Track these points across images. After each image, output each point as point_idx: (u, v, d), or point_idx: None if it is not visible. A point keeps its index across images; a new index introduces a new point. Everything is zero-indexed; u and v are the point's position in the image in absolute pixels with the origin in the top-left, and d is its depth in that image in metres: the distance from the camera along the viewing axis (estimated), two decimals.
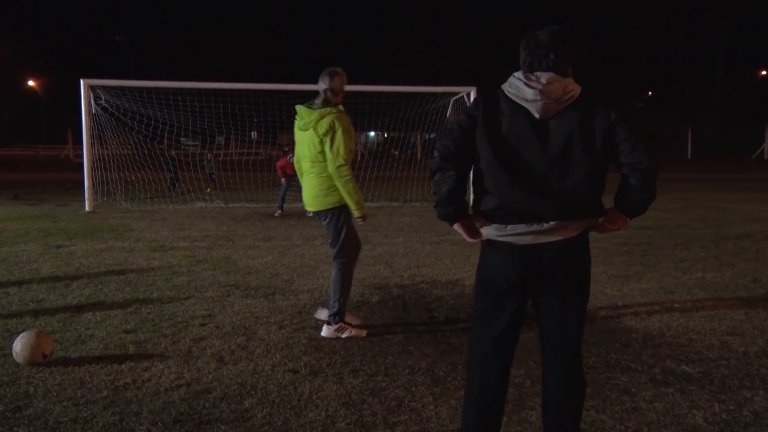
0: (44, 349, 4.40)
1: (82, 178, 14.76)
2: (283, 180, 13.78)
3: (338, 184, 4.95)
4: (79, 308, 5.90)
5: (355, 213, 5.02)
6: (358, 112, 17.79)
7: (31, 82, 61.39)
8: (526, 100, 2.75)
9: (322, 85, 5.09)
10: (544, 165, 2.74)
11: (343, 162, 4.91)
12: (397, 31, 66.21)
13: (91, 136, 14.67)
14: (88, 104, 14.46)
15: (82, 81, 14.44)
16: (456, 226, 2.97)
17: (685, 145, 53.11)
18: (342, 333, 5.07)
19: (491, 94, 2.86)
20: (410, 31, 64.37)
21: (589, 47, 54.44)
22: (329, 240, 5.24)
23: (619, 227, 2.96)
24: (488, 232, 2.89)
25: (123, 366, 4.40)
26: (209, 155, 21.74)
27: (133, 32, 60.77)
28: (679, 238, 10.18)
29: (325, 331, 5.12)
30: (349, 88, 18.24)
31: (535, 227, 2.77)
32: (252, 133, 24.87)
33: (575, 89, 2.78)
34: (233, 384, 4.11)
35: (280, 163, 13.91)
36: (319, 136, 4.94)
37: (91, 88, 14.60)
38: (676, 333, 5.23)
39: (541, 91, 2.72)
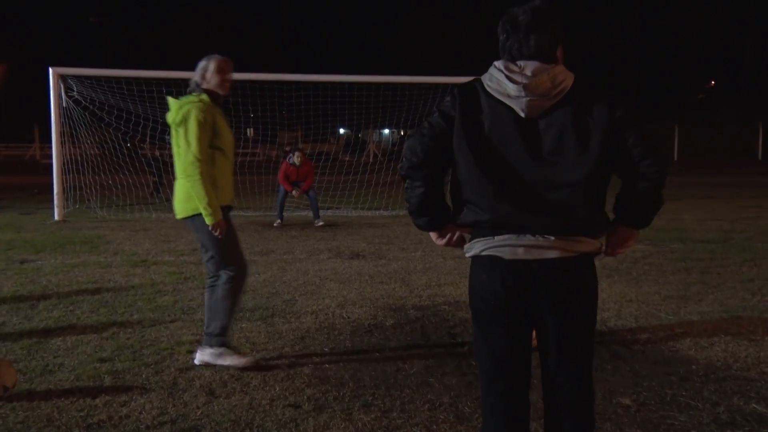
0: (5, 381, 4.42)
1: (50, 182, 14.89)
2: (284, 187, 13.84)
3: (188, 182, 4.89)
4: (47, 333, 5.94)
5: (207, 220, 4.94)
6: (370, 107, 17.86)
7: None
8: (509, 97, 2.69)
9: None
10: (533, 172, 2.68)
11: (194, 158, 4.82)
12: (415, 15, 66.38)
13: (61, 134, 14.80)
14: (58, 96, 14.59)
15: (51, 69, 14.59)
16: (434, 236, 2.99)
17: (755, 143, 52.68)
18: (223, 360, 5.03)
19: (470, 88, 2.81)
20: (430, 15, 64.51)
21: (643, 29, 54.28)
22: (204, 252, 5.14)
23: (630, 246, 2.94)
24: (472, 247, 2.87)
25: (97, 400, 4.43)
26: None
27: (110, 13, 61.31)
28: (748, 252, 10.11)
29: (199, 356, 5.08)
30: (360, 79, 18.40)
31: (526, 240, 2.72)
32: (248, 130, 24.98)
33: (567, 79, 2.71)
34: (225, 421, 4.13)
35: (281, 171, 13.98)
36: (175, 128, 4.97)
37: (62, 78, 14.74)
38: (744, 365, 5.19)
39: (525, 86, 2.66)
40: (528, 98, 2.66)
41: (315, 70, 21.67)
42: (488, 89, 2.75)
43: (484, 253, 2.81)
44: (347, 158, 26.10)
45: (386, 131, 50.33)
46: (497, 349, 2.86)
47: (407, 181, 2.89)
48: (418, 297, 7.37)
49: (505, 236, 2.74)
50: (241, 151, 28.45)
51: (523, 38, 2.73)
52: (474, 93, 2.78)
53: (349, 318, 6.51)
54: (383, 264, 9.21)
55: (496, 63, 2.79)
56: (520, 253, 2.73)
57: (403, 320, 6.44)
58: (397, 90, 17.83)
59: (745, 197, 19.01)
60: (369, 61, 56.16)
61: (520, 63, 2.72)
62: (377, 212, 16.17)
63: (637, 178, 2.73)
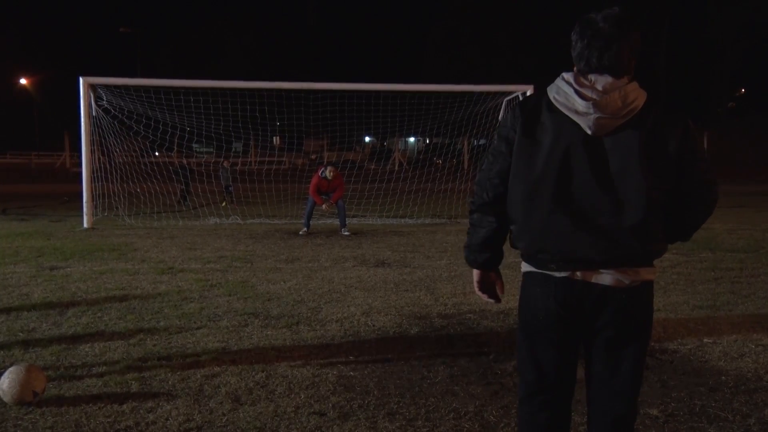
0: (35, 386, 4.47)
1: (80, 190, 15.07)
2: (314, 199, 13.85)
3: None
4: (75, 339, 6.00)
5: None
6: (396, 115, 17.87)
7: (23, 81, 62.91)
8: (577, 113, 2.58)
9: None
10: (595, 195, 2.58)
11: None
12: (442, 23, 66.40)
13: (91, 142, 14.98)
14: (88, 105, 14.78)
15: (81, 79, 14.77)
16: (477, 277, 2.96)
17: None
18: None
19: (533, 103, 2.70)
20: (457, 23, 64.51)
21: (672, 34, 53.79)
22: None
23: None
24: (527, 264, 2.81)
25: (124, 406, 4.46)
26: (225, 164, 22.04)
27: (140, 23, 61.99)
28: None
29: None
30: (387, 87, 18.46)
31: (580, 270, 2.65)
32: (274, 138, 25.19)
33: (638, 98, 2.59)
34: (250, 428, 4.14)
35: (312, 183, 14.01)
36: None
37: (92, 87, 14.93)
38: None
39: (595, 104, 2.55)
40: (597, 116, 2.55)
41: (341, 79, 21.73)
42: (554, 102, 2.64)
43: (536, 271, 2.76)
44: (372, 166, 26.14)
45: (412, 139, 50.37)
46: (543, 363, 2.82)
47: (476, 215, 2.85)
48: (444, 305, 7.35)
49: (558, 254, 2.66)
50: (267, 159, 28.68)
51: (605, 47, 2.58)
52: (536, 109, 2.68)
53: (374, 326, 6.51)
54: (408, 272, 9.20)
55: (564, 75, 2.68)
56: (577, 275, 2.66)
57: (428, 328, 6.43)
58: (423, 98, 17.84)
59: None
60: (395, 69, 56.32)
61: (591, 77, 2.61)
62: (402, 220, 16.17)
63: (686, 213, 2.73)
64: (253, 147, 34.40)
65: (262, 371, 5.16)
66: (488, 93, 17.13)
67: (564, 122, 2.61)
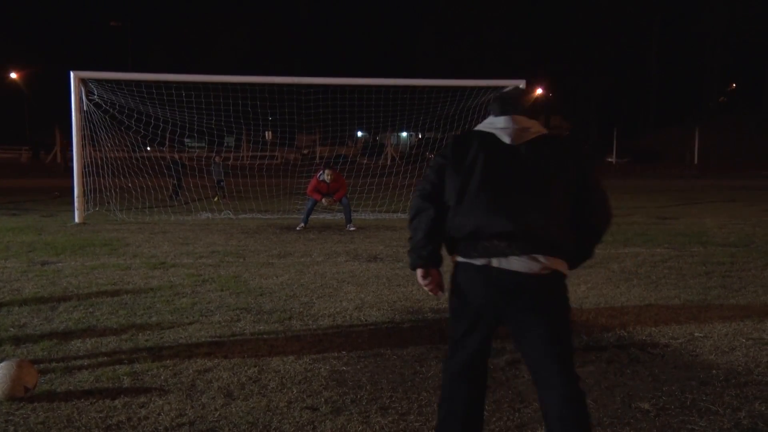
0: (26, 381, 4.46)
1: (71, 185, 15.01)
2: (313, 197, 13.83)
3: None
4: (67, 334, 5.99)
5: None
6: (389, 110, 17.86)
7: (13, 75, 62.55)
8: (498, 128, 3.27)
9: None
10: (514, 192, 3.15)
11: None
12: (434, 18, 66.37)
13: (82, 137, 14.92)
14: (79, 100, 14.72)
15: (72, 73, 14.71)
16: (420, 273, 3.37)
17: None
18: None
19: (462, 135, 3.39)
20: (450, 17, 64.48)
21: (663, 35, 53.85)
22: None
23: None
24: (459, 255, 3.27)
25: (116, 401, 4.45)
26: (217, 159, 21.99)
27: (131, 17, 61.80)
28: None
29: None
30: (379, 81, 18.43)
31: (498, 258, 3.14)
32: (266, 133, 25.09)
33: (541, 129, 3.30)
34: (243, 423, 4.14)
35: (311, 185, 13.96)
36: None
37: (83, 82, 14.87)
38: (766, 370, 5.14)
39: (512, 119, 3.27)
40: (514, 127, 3.24)
41: (333, 73, 21.72)
42: (479, 128, 3.35)
43: (464, 261, 3.24)
44: (365, 161, 26.12)
45: (404, 134, 50.33)
46: (471, 345, 3.29)
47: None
48: (436, 300, 7.35)
49: (484, 247, 3.16)
50: (259, 154, 28.64)
51: (507, 104, 3.37)
52: (468, 132, 3.40)
53: (366, 321, 6.51)
54: (401, 267, 9.20)
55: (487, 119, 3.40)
56: (495, 263, 3.13)
57: (420, 323, 6.44)
58: (416, 93, 17.82)
59: (767, 200, 18.83)
60: (388, 64, 56.27)
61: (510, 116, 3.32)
62: (395, 215, 16.16)
63: (587, 223, 3.28)
64: (245, 142, 34.35)
65: (255, 366, 5.16)
66: (480, 87, 17.14)
67: (486, 135, 3.31)
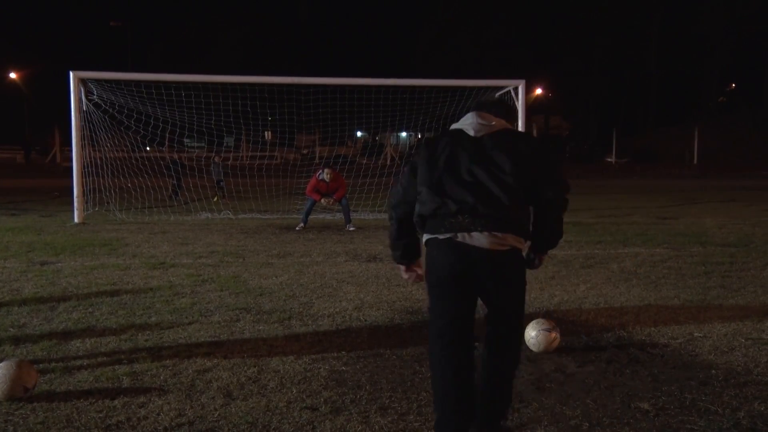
0: (26, 381, 4.46)
1: (70, 185, 15.00)
2: (312, 197, 13.83)
3: None
4: (66, 334, 5.98)
5: None
6: (388, 110, 17.86)
7: (12, 75, 62.52)
8: (465, 124, 3.80)
9: None
10: (475, 175, 3.61)
11: None
12: (434, 18, 66.32)
13: (82, 137, 14.92)
14: (78, 100, 14.72)
15: (71, 73, 14.71)
16: (402, 269, 4.03)
17: None
18: None
19: (433, 137, 3.89)
20: (450, 17, 64.44)
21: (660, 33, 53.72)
22: None
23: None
24: (427, 233, 3.71)
25: (116, 401, 4.45)
26: (217, 159, 21.99)
27: (131, 17, 61.77)
28: None
29: None
30: (379, 81, 18.40)
31: (462, 233, 3.58)
32: (266, 133, 25.07)
33: (504, 125, 3.81)
34: (242, 423, 4.14)
35: (310, 184, 13.96)
36: None
37: (82, 82, 14.87)
38: (765, 370, 5.14)
39: (476, 115, 3.80)
40: (480, 123, 3.76)
41: (333, 73, 21.71)
42: (452, 126, 3.89)
43: (434, 237, 3.66)
44: (364, 161, 26.11)
45: (404, 134, 50.28)
46: (447, 311, 3.68)
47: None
48: None
49: (450, 223, 3.60)
50: (259, 154, 28.61)
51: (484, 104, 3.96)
52: (437, 136, 3.86)
53: (366, 321, 6.51)
54: None
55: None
56: (460, 238, 3.58)
57: (419, 323, 6.43)
58: (415, 93, 17.82)
59: (766, 200, 18.83)
60: (387, 64, 56.25)
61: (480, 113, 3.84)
62: None
63: (543, 205, 3.74)
64: (244, 141, 34.29)
65: (254, 366, 5.16)
66: (480, 87, 17.13)
67: (454, 131, 3.83)
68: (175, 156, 20.96)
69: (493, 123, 3.75)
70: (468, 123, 3.77)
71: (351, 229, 13.48)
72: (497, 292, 3.64)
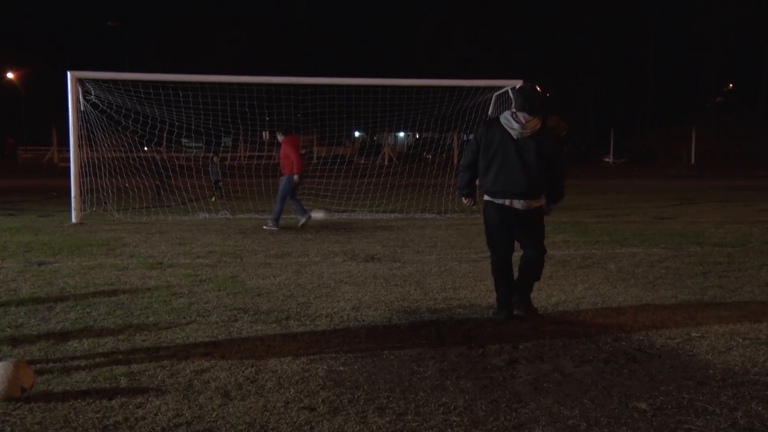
0: (23, 382, 4.45)
1: (68, 185, 14.99)
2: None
3: None
4: (64, 335, 5.98)
5: None
6: (386, 110, 17.86)
7: (10, 75, 62.49)
8: (512, 129, 6.22)
9: None
10: (518, 167, 6.25)
11: None
12: (431, 18, 66.30)
13: (79, 137, 14.90)
14: (76, 100, 14.69)
15: (68, 73, 14.69)
16: (465, 199, 6.94)
17: None
18: None
19: (491, 120, 6.50)
20: (448, 17, 64.42)
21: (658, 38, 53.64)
22: None
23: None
24: (486, 196, 6.49)
25: (113, 402, 4.45)
26: (215, 159, 21.96)
27: (128, 17, 61.68)
28: (766, 256, 10.04)
29: None
30: (377, 81, 18.39)
31: (508, 200, 6.35)
32: (263, 133, 25.07)
33: (537, 124, 6.25)
34: (240, 423, 4.14)
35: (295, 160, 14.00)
36: None
37: (80, 82, 14.84)
38: (762, 370, 5.15)
39: (521, 125, 6.21)
40: (521, 131, 6.21)
41: (330, 73, 21.69)
42: (502, 123, 6.30)
43: (490, 199, 6.46)
44: (362, 161, 26.12)
45: (401, 134, 50.31)
46: (499, 239, 6.59)
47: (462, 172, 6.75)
48: (433, 300, 7.36)
49: (502, 193, 6.38)
50: (256, 153, 28.61)
51: (526, 100, 6.31)
52: (493, 122, 6.43)
53: (363, 321, 6.52)
54: (398, 267, 9.21)
55: (506, 112, 6.38)
56: (507, 203, 6.35)
57: (417, 323, 6.44)
58: (413, 93, 17.83)
59: (764, 200, 18.85)
60: (385, 64, 56.24)
61: (519, 114, 6.26)
62: (392, 215, 16.17)
63: (553, 180, 6.48)
64: (242, 141, 34.32)
65: (252, 366, 5.16)
66: (478, 87, 17.15)
67: (505, 131, 6.27)
68: (157, 156, 20.84)
69: (530, 123, 6.19)
70: (513, 127, 6.19)
71: (266, 228, 13.43)
72: (530, 230, 6.46)
